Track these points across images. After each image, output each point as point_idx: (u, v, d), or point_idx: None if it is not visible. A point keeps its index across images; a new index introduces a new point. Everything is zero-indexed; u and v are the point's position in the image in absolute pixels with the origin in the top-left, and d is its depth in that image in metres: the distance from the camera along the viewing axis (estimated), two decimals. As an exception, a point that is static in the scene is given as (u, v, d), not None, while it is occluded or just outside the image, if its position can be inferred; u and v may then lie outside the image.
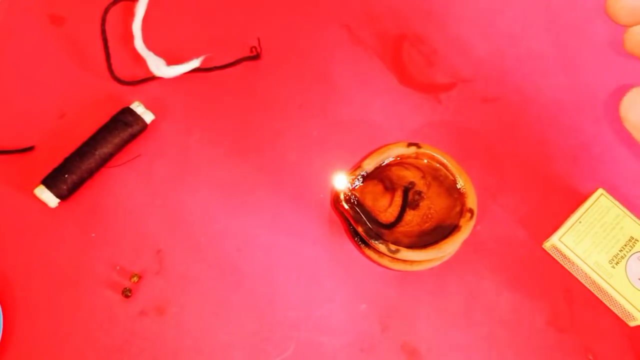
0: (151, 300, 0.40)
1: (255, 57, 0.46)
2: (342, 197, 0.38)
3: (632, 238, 0.40)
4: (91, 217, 0.42)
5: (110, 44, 0.46)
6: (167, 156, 0.44)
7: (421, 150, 0.39)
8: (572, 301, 0.41)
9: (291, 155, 0.44)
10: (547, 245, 0.41)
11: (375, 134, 0.44)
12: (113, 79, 0.45)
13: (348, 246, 0.41)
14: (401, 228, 0.39)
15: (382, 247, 0.36)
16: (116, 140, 0.42)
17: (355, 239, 0.39)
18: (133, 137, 0.43)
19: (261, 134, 0.45)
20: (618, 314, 0.40)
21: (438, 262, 0.38)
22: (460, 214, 0.38)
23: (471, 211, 0.38)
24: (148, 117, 0.43)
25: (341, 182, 0.38)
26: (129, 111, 0.43)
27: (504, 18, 0.49)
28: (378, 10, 0.48)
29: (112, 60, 0.46)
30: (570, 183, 0.44)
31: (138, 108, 0.43)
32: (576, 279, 0.41)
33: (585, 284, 0.41)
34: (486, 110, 0.46)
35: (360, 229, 0.37)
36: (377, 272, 0.41)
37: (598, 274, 0.39)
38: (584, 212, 0.41)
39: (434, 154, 0.39)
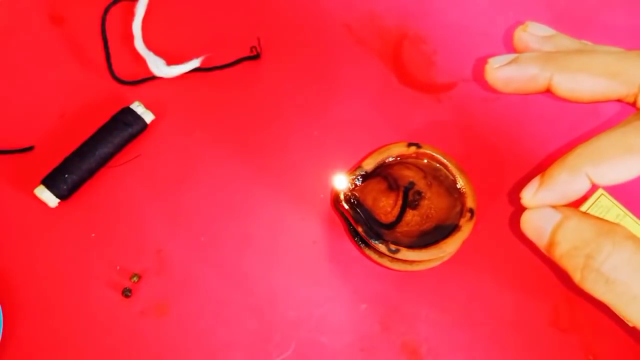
0: (151, 300, 0.40)
1: (255, 57, 0.46)
2: (342, 197, 0.38)
3: (633, 238, 0.40)
4: (91, 217, 0.42)
5: (110, 44, 0.46)
6: (167, 156, 0.44)
7: (421, 150, 0.39)
8: (573, 301, 0.41)
9: (291, 155, 0.44)
10: (547, 245, 0.41)
11: (375, 134, 0.44)
12: (113, 79, 0.45)
13: (348, 246, 0.41)
14: (401, 228, 0.39)
15: (382, 247, 0.36)
16: (116, 140, 0.42)
17: (355, 239, 0.39)
18: (133, 137, 0.43)
19: (261, 134, 0.45)
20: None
21: (438, 262, 0.38)
22: (460, 214, 0.38)
23: (471, 211, 0.38)
24: (148, 117, 0.43)
25: (341, 182, 0.38)
26: (129, 111, 0.43)
27: (504, 18, 0.49)
28: (378, 10, 0.48)
29: (112, 60, 0.46)
30: (571, 183, 0.44)
31: (138, 108, 0.43)
32: (576, 279, 0.41)
33: (586, 284, 0.41)
34: (486, 110, 0.46)
35: (360, 229, 0.37)
36: (377, 272, 0.41)
37: (598, 274, 0.39)
38: (584, 212, 0.41)
39: (434, 154, 0.39)
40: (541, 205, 0.26)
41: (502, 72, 0.29)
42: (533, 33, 0.31)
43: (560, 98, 0.29)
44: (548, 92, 0.29)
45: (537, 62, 0.28)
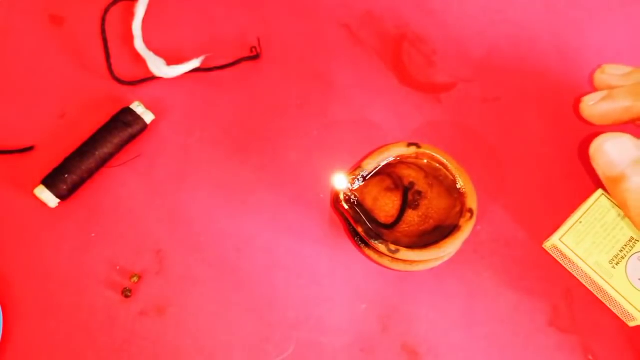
0: (151, 300, 0.40)
1: (255, 57, 0.46)
2: (342, 197, 0.38)
3: (633, 238, 0.40)
4: (91, 217, 0.42)
5: (110, 44, 0.46)
6: (167, 156, 0.44)
7: (421, 150, 0.39)
8: (573, 301, 0.41)
9: (291, 155, 0.44)
10: (548, 245, 0.41)
11: (375, 134, 0.44)
12: (113, 79, 0.45)
13: (348, 246, 0.41)
14: (401, 228, 0.39)
15: (382, 247, 0.36)
16: (116, 140, 0.42)
17: (355, 239, 0.39)
18: (133, 137, 0.43)
19: (261, 134, 0.45)
20: (618, 314, 0.40)
21: (438, 262, 0.38)
22: (460, 214, 0.38)
23: (471, 211, 0.38)
24: (148, 117, 0.43)
25: (341, 182, 0.38)
26: (129, 111, 0.43)
27: (504, 18, 0.49)
28: (378, 10, 0.48)
29: (112, 60, 0.46)
30: (570, 183, 0.44)
31: (138, 108, 0.43)
32: (576, 279, 0.41)
33: (586, 284, 0.41)
34: (486, 110, 0.46)
35: (360, 229, 0.37)
36: (377, 272, 0.41)
37: (598, 274, 0.39)
38: (585, 213, 0.41)
39: (434, 154, 0.39)
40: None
41: (597, 108, 0.31)
42: (611, 73, 0.33)
43: None
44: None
45: (629, 95, 0.30)
